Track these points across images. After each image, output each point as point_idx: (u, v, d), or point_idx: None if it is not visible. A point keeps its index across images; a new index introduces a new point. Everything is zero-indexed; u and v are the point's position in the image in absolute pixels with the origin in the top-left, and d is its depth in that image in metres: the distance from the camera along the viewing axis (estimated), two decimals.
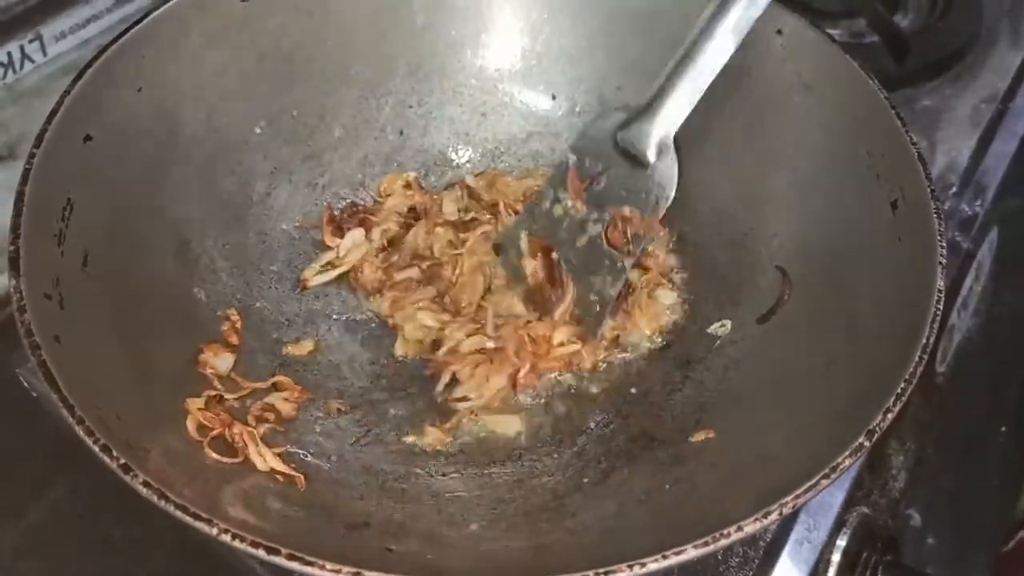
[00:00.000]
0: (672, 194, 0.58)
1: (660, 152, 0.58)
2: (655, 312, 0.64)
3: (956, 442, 0.79)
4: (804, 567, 0.57)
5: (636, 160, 0.59)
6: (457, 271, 0.64)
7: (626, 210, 0.60)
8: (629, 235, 0.60)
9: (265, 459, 0.50)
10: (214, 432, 0.50)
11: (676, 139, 0.58)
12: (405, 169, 0.71)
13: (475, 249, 0.65)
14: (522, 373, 0.59)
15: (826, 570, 0.58)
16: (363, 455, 0.56)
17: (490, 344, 0.60)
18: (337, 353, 0.62)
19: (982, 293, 0.83)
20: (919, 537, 0.73)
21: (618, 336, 0.63)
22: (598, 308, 0.61)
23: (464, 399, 0.58)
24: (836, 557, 0.58)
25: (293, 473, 0.50)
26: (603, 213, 0.61)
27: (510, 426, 0.58)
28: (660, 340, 0.63)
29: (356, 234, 0.66)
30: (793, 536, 0.57)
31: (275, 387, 0.58)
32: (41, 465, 0.62)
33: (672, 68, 0.57)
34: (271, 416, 0.55)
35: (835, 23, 0.89)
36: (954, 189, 0.79)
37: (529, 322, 0.62)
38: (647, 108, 0.58)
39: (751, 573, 0.56)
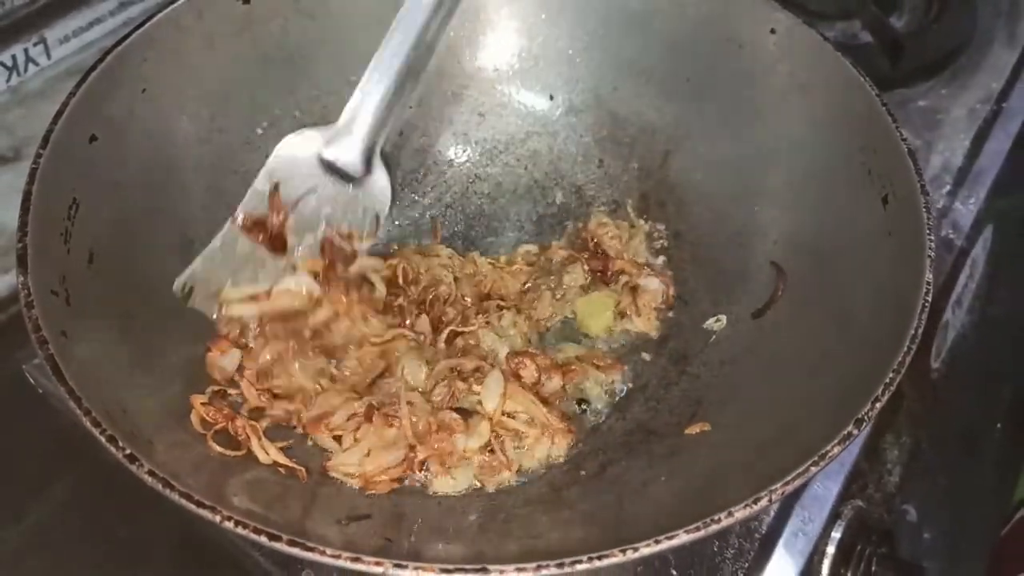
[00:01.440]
0: (387, 208, 0.58)
1: (369, 165, 0.58)
2: (647, 301, 0.65)
3: (951, 437, 0.79)
4: (799, 559, 0.57)
5: (344, 176, 0.58)
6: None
7: (343, 227, 0.58)
8: (349, 251, 0.58)
9: (268, 452, 0.51)
10: (218, 426, 0.51)
11: (385, 152, 0.58)
12: (404, 170, 0.72)
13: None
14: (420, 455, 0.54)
15: (821, 562, 0.58)
16: None
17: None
18: None
19: (977, 290, 0.84)
20: (915, 531, 0.73)
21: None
22: None
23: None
24: (831, 549, 0.59)
25: (295, 466, 0.51)
26: (315, 236, 0.58)
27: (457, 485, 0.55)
28: (658, 327, 0.64)
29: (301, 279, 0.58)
30: (789, 528, 0.58)
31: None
32: (45, 462, 0.62)
33: (364, 79, 0.58)
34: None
35: (831, 24, 0.90)
36: (948, 188, 0.80)
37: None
38: (348, 122, 0.58)
39: (747, 564, 0.56)
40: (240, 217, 0.57)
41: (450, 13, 0.59)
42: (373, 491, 0.52)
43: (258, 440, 0.51)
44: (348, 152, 0.58)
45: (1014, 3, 0.98)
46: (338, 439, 0.54)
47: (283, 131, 0.66)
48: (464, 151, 0.74)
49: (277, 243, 0.58)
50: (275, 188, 0.58)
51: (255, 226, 0.57)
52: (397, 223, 0.71)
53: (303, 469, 0.51)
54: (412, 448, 0.53)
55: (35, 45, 0.83)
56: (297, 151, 0.58)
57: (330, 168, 0.58)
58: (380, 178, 0.58)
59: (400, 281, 0.63)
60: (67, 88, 0.55)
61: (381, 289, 0.60)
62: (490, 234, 0.71)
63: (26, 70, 0.83)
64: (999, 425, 0.85)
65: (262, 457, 0.50)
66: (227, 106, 0.64)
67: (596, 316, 0.64)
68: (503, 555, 0.47)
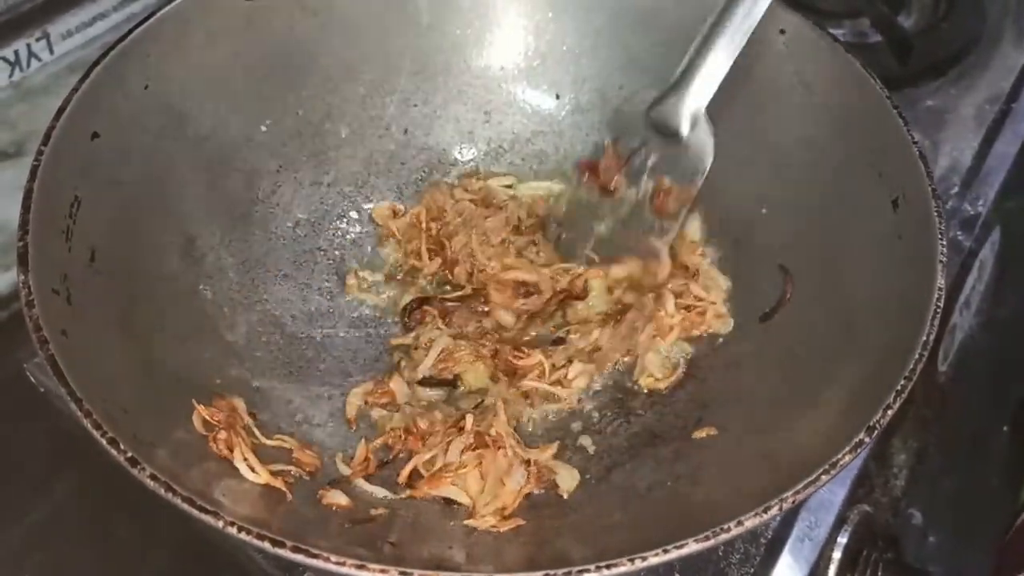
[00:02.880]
0: (708, 164, 0.60)
1: (693, 124, 0.59)
2: (718, 286, 0.64)
3: (958, 441, 0.79)
4: (805, 564, 0.57)
5: (670, 134, 0.61)
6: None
7: (666, 180, 0.62)
8: (670, 205, 0.62)
9: (254, 469, 0.48)
10: (221, 427, 0.51)
11: (709, 112, 0.59)
12: (409, 168, 0.72)
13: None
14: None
15: (827, 567, 0.58)
16: None
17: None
18: (342, 349, 0.63)
19: (984, 292, 0.83)
20: (920, 536, 0.73)
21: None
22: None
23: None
24: (837, 554, 0.58)
25: (282, 487, 0.48)
26: (641, 187, 0.63)
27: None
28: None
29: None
30: (794, 533, 0.58)
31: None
32: (46, 461, 0.62)
33: (700, 42, 0.58)
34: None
35: (839, 23, 0.89)
36: (956, 189, 0.79)
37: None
38: (678, 83, 0.59)
39: (752, 570, 0.56)
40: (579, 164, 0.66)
41: None
42: (507, 526, 0.50)
43: (243, 457, 0.48)
44: (673, 112, 0.60)
45: (1022, 2, 0.97)
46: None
47: (286, 129, 0.67)
48: (469, 150, 0.73)
49: (607, 189, 0.65)
50: (614, 141, 0.64)
51: (590, 169, 0.65)
52: None
53: (287, 492, 0.48)
54: (528, 462, 0.53)
55: (38, 40, 0.82)
56: (632, 106, 0.63)
57: (656, 126, 0.61)
58: (703, 136, 0.60)
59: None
60: (70, 83, 0.54)
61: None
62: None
63: (28, 65, 0.82)
64: (1005, 428, 0.84)
65: (249, 476, 0.48)
66: (230, 104, 0.63)
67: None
68: (509, 562, 0.46)
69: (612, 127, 0.64)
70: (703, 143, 0.60)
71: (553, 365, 0.60)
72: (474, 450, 0.53)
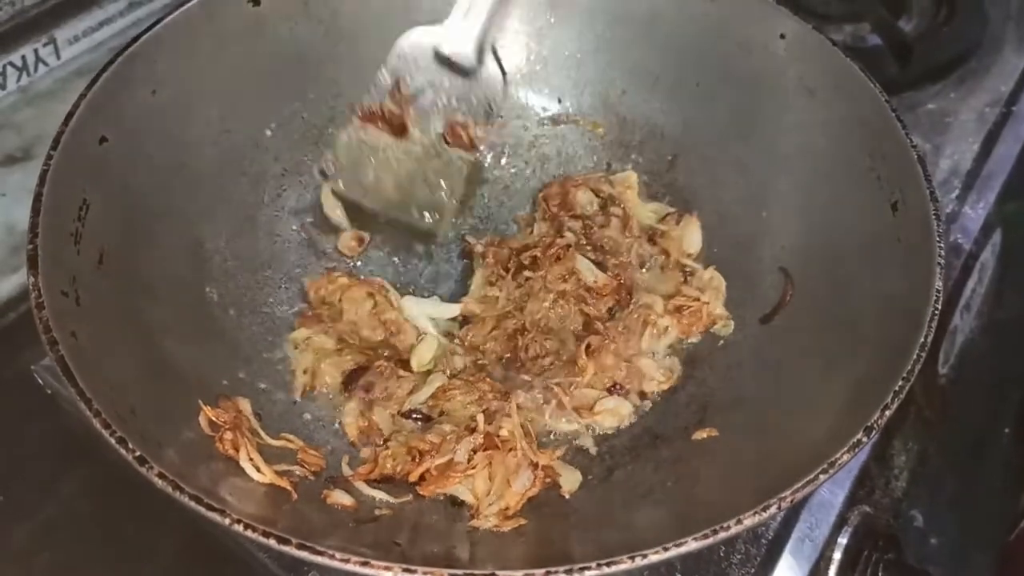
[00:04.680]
0: (500, 96, 0.61)
1: (481, 56, 0.60)
2: (714, 288, 0.64)
3: (959, 443, 0.79)
4: (806, 564, 0.57)
5: (458, 69, 0.61)
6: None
7: (459, 116, 0.62)
8: (467, 137, 0.62)
9: (259, 469, 0.49)
10: (227, 428, 0.51)
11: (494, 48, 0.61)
12: None
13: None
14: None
15: (827, 567, 0.58)
16: None
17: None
18: None
19: (985, 295, 0.83)
20: (921, 537, 0.73)
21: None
22: (445, 203, 0.63)
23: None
24: (837, 555, 0.59)
25: (287, 486, 0.49)
26: (435, 122, 0.62)
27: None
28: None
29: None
30: (795, 534, 0.58)
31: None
32: (54, 461, 0.63)
33: None
34: None
35: (839, 27, 0.89)
36: (957, 192, 0.80)
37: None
38: (462, 16, 0.60)
39: (753, 570, 0.56)
40: (359, 111, 0.62)
41: None
42: (510, 526, 0.50)
43: (248, 457, 0.49)
44: (462, 46, 0.61)
45: (1023, 6, 0.98)
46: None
47: (291, 133, 0.67)
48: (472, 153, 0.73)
49: (398, 128, 0.62)
50: (396, 83, 0.62)
51: (372, 116, 0.63)
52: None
53: (291, 491, 0.49)
54: (535, 465, 0.53)
55: (45, 45, 0.83)
56: (414, 47, 0.62)
57: (445, 62, 0.61)
58: (491, 68, 0.61)
59: None
60: (76, 88, 0.55)
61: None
62: (497, 236, 0.70)
63: (36, 70, 0.83)
64: (1007, 430, 0.84)
65: (254, 475, 0.48)
66: (236, 108, 0.64)
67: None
68: (511, 560, 0.47)
69: (393, 69, 0.62)
70: (492, 74, 0.60)
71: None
72: (484, 451, 0.53)
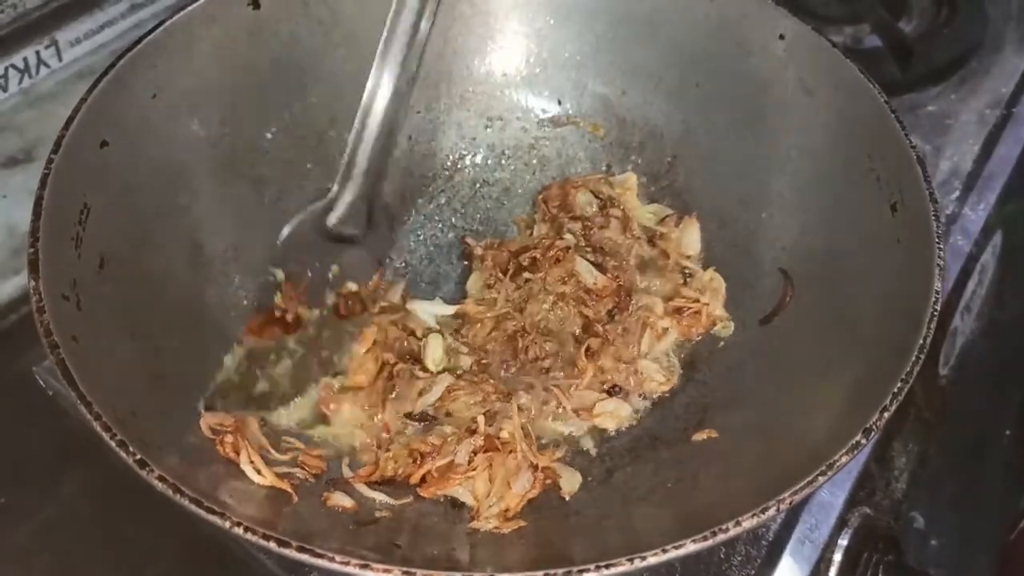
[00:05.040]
0: (388, 254, 0.63)
1: (372, 222, 0.61)
2: (714, 289, 0.64)
3: (959, 445, 0.79)
4: (806, 566, 0.57)
5: (350, 240, 0.62)
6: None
7: (349, 286, 0.62)
8: (358, 304, 0.61)
9: (260, 472, 0.49)
10: (228, 431, 0.51)
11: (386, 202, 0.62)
12: (413, 175, 0.72)
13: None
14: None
15: (828, 569, 0.58)
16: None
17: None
18: None
19: (985, 297, 0.83)
20: (922, 538, 0.73)
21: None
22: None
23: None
24: (838, 556, 0.59)
25: (288, 488, 0.49)
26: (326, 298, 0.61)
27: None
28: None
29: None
30: (795, 535, 0.58)
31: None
32: (55, 462, 0.63)
33: (350, 145, 0.61)
34: None
35: (839, 29, 0.90)
36: (958, 193, 0.80)
37: None
38: (341, 188, 0.61)
39: (753, 571, 0.56)
40: (245, 332, 0.59)
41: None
42: (509, 527, 0.50)
43: (249, 460, 0.49)
44: (353, 217, 0.62)
45: None
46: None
47: (292, 136, 0.67)
48: (472, 156, 0.74)
49: (292, 325, 0.60)
50: (286, 278, 0.61)
51: (265, 326, 0.60)
52: (403, 226, 0.71)
53: (292, 493, 0.49)
54: (535, 467, 0.53)
55: (47, 47, 0.83)
56: (301, 234, 0.62)
57: (334, 236, 0.62)
58: (384, 231, 0.62)
59: None
60: (78, 90, 0.55)
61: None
62: (497, 238, 0.70)
63: (37, 72, 0.83)
64: (1007, 432, 0.84)
65: (255, 478, 0.49)
66: (237, 111, 0.64)
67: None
68: (511, 562, 0.47)
69: (281, 260, 0.61)
70: (383, 236, 0.62)
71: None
72: (485, 452, 0.53)
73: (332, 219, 0.61)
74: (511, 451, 0.53)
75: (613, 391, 0.60)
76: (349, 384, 0.59)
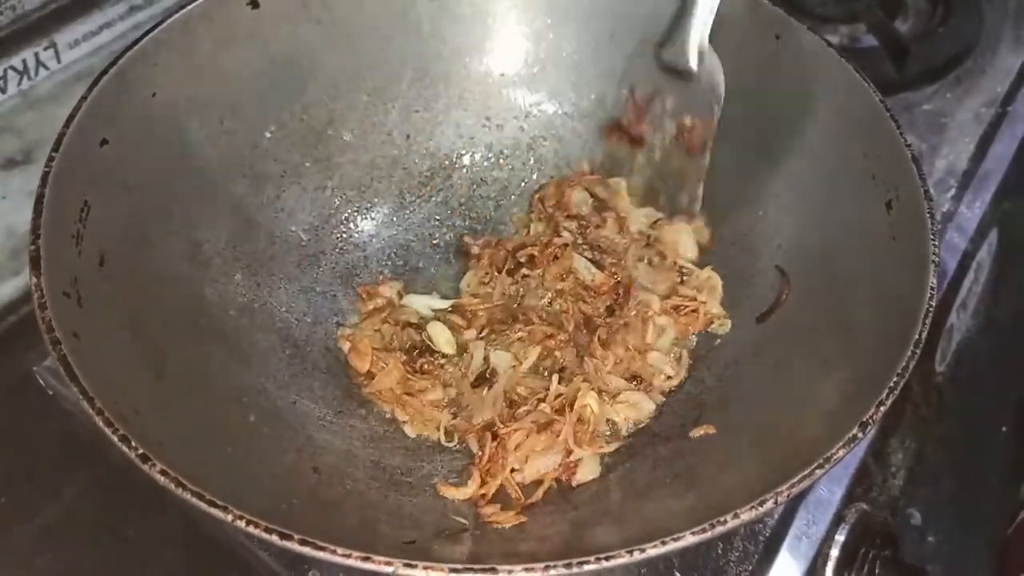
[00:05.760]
0: (722, 91, 0.63)
1: (701, 57, 0.63)
2: (711, 287, 0.65)
3: (956, 441, 0.79)
4: (803, 561, 0.58)
5: (682, 73, 0.64)
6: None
7: (687, 119, 0.65)
8: (697, 140, 0.64)
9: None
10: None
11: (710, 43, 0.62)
12: (411, 174, 0.73)
13: None
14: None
15: (824, 565, 0.59)
16: (371, 450, 0.57)
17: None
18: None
19: (982, 294, 0.84)
20: (919, 535, 0.74)
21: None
22: (687, 195, 0.67)
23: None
24: (834, 552, 0.59)
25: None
26: (667, 128, 0.67)
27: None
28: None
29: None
30: (792, 531, 0.58)
31: None
32: (56, 462, 0.63)
33: None
34: None
35: (835, 28, 0.90)
36: (954, 191, 0.80)
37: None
38: (677, 22, 0.63)
39: (751, 567, 0.57)
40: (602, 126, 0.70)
41: None
42: (510, 522, 0.51)
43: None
44: (681, 50, 0.63)
45: (1020, 6, 0.98)
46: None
47: (290, 135, 0.68)
48: (470, 155, 0.74)
49: (636, 140, 0.68)
50: (631, 91, 0.67)
51: (613, 130, 0.70)
52: (401, 226, 0.71)
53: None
54: (569, 452, 0.54)
55: (45, 49, 0.83)
56: (639, 60, 0.67)
57: (668, 69, 0.65)
58: (712, 67, 0.63)
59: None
60: (77, 92, 0.55)
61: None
62: (495, 236, 0.71)
63: (36, 74, 0.83)
64: (1004, 429, 0.85)
65: None
66: (236, 110, 0.64)
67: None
68: (512, 555, 0.47)
69: (626, 79, 0.67)
70: (713, 72, 0.62)
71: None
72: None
73: (665, 55, 0.64)
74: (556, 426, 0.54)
75: (635, 380, 0.60)
76: (373, 391, 0.61)
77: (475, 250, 0.68)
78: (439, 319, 0.64)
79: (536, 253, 0.64)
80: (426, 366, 0.61)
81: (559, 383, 0.58)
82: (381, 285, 0.67)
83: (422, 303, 0.65)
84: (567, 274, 0.63)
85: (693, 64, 0.63)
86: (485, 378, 0.60)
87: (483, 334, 0.63)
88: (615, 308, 0.64)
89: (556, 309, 0.63)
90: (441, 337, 0.63)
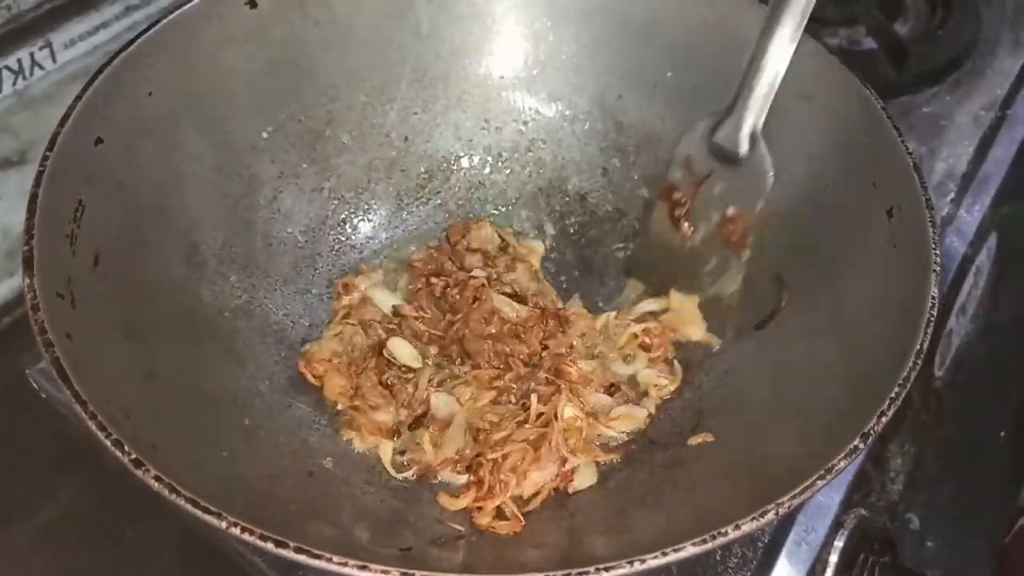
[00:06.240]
0: (770, 179, 0.61)
1: (752, 144, 0.61)
2: (524, 255, 0.67)
3: (955, 446, 0.79)
4: (802, 568, 0.57)
5: (730, 158, 0.62)
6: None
7: (730, 210, 0.63)
8: (738, 232, 0.63)
9: None
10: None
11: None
12: (409, 175, 0.72)
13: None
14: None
15: (823, 571, 0.58)
16: (367, 455, 0.57)
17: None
18: None
19: (981, 298, 0.84)
20: (918, 540, 0.73)
21: None
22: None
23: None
24: (833, 558, 0.59)
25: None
26: (711, 216, 0.64)
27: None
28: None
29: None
30: (791, 537, 0.58)
31: None
32: (51, 465, 0.63)
33: (746, 69, 0.60)
34: None
35: (834, 31, 0.90)
36: (953, 195, 0.80)
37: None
38: (732, 107, 0.61)
39: (749, 573, 0.56)
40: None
41: None
42: (507, 529, 0.51)
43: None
44: (733, 136, 0.62)
45: (1019, 9, 0.98)
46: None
47: (288, 136, 0.67)
48: (468, 157, 0.74)
49: (677, 219, 0.65)
50: (687, 160, 0.64)
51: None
52: (399, 228, 0.71)
53: None
54: (564, 460, 0.54)
55: (41, 49, 0.83)
56: (694, 139, 0.64)
57: (718, 152, 0.63)
58: (762, 155, 0.62)
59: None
60: (73, 92, 0.55)
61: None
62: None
63: (32, 74, 0.83)
64: (1003, 433, 0.84)
65: None
66: (232, 110, 0.64)
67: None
68: (509, 564, 0.47)
69: (683, 148, 0.65)
70: (762, 161, 0.61)
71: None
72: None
73: (719, 135, 0.62)
74: (548, 438, 0.54)
75: (611, 391, 0.60)
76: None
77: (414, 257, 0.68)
78: (397, 332, 0.63)
79: (453, 291, 0.64)
80: (391, 379, 0.60)
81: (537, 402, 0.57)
82: (359, 275, 0.66)
83: (382, 298, 0.65)
84: (491, 316, 0.62)
85: (743, 150, 0.61)
86: (421, 421, 0.58)
87: (435, 357, 0.62)
88: (549, 340, 0.63)
89: (501, 349, 0.62)
90: (404, 351, 0.62)
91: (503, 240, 0.69)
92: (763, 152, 0.61)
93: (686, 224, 0.65)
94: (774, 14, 0.58)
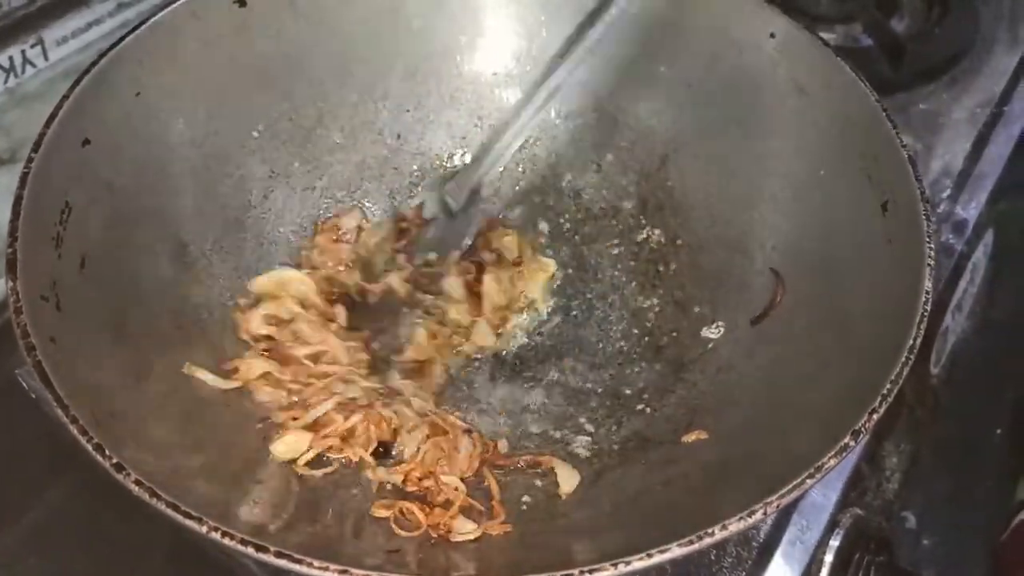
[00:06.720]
0: (467, 242, 0.67)
1: (469, 201, 0.67)
2: (535, 270, 0.67)
3: (951, 444, 0.79)
4: (797, 567, 0.57)
5: (448, 209, 0.68)
6: None
7: (431, 256, 0.67)
8: (429, 277, 0.66)
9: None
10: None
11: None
12: (402, 173, 0.72)
13: None
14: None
15: (819, 570, 0.58)
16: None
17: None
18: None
19: (977, 295, 0.83)
20: (914, 539, 0.73)
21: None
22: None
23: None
24: (829, 557, 0.58)
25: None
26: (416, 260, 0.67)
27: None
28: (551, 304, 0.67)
29: None
30: (786, 536, 0.58)
31: None
32: (41, 466, 0.62)
33: (491, 136, 0.68)
34: None
35: (831, 27, 0.89)
36: (949, 192, 0.79)
37: None
38: (464, 168, 0.67)
39: (744, 573, 0.56)
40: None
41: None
42: (496, 531, 0.50)
43: None
44: (456, 190, 0.68)
45: (1016, 6, 0.98)
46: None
47: (278, 135, 0.67)
48: (461, 155, 0.73)
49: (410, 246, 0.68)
50: (420, 204, 0.69)
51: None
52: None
53: None
54: (469, 431, 0.55)
55: (32, 47, 0.82)
56: (434, 184, 0.70)
57: (442, 203, 0.68)
58: (472, 215, 0.67)
59: None
60: (64, 90, 0.54)
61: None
62: None
63: (23, 71, 0.83)
64: (999, 431, 0.84)
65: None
66: (222, 109, 0.63)
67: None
68: (494, 565, 0.47)
69: (424, 192, 0.70)
70: (470, 221, 0.67)
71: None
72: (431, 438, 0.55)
73: (449, 185, 0.68)
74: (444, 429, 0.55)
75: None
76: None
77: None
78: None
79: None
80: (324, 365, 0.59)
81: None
82: (342, 216, 0.68)
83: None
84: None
85: (457, 204, 0.67)
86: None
87: None
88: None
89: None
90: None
91: (519, 254, 0.69)
92: (474, 215, 0.66)
93: (403, 257, 0.67)
94: (529, 93, 0.66)
